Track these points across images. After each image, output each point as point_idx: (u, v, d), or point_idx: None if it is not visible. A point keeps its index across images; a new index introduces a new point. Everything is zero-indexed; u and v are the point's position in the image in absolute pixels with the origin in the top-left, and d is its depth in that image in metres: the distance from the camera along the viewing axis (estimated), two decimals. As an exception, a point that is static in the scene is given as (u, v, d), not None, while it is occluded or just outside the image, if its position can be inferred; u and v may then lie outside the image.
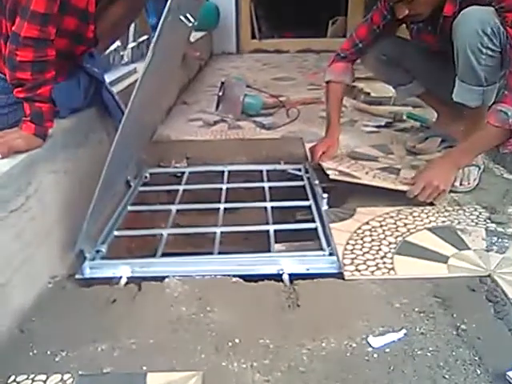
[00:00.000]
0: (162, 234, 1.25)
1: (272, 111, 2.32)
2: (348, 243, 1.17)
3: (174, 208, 1.40)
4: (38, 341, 0.89)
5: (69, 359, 0.85)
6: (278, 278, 1.07)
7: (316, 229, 1.25)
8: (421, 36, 1.69)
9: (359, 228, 1.24)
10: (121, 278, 1.08)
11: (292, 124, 2.15)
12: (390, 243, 1.17)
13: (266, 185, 1.54)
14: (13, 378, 0.80)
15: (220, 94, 2.25)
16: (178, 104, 2.56)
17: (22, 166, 0.99)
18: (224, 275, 1.07)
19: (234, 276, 1.06)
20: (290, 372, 0.80)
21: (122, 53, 2.20)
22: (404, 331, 0.88)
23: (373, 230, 1.23)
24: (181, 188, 1.53)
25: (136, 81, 1.03)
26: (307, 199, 1.42)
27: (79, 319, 0.95)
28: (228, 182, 1.57)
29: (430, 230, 1.23)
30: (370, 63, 1.79)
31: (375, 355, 0.83)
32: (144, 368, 0.82)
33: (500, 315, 0.92)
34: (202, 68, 3.64)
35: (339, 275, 1.07)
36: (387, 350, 0.84)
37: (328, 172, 1.45)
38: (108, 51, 2.00)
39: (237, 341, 0.87)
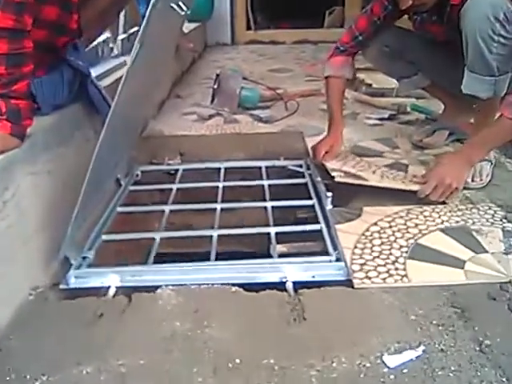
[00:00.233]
0: (154, 238, 1.16)
1: (270, 104, 2.22)
2: (356, 247, 1.08)
3: (167, 209, 1.31)
4: (16, 363, 0.80)
5: (50, 385, 0.76)
6: (281, 286, 0.99)
7: (321, 230, 1.16)
8: (425, 27, 1.60)
9: (367, 229, 1.15)
10: (109, 288, 0.99)
11: (291, 117, 2.06)
12: (402, 246, 1.08)
13: (266, 182, 1.44)
14: (-15, 408, 0.71)
15: (215, 86, 2.15)
16: (171, 97, 2.46)
17: (-3, 168, 0.90)
18: (222, 284, 0.98)
19: (233, 285, 0.97)
20: (297, 398, 0.72)
21: (111, 45, 2.09)
22: (422, 348, 0.80)
23: (382, 231, 1.14)
24: (174, 187, 1.43)
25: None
26: (310, 198, 1.33)
27: (62, 337, 0.86)
28: (225, 180, 1.48)
29: (442, 231, 1.14)
30: (372, 55, 1.70)
31: (392, 376, 0.75)
32: (134, 395, 0.73)
33: (526, 327, 0.84)
34: (196, 60, 3.53)
35: (348, 283, 0.98)
36: (405, 371, 0.75)
37: (333, 174, 1.36)
38: (96, 43, 1.89)
39: (237, 361, 0.78)
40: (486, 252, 1.05)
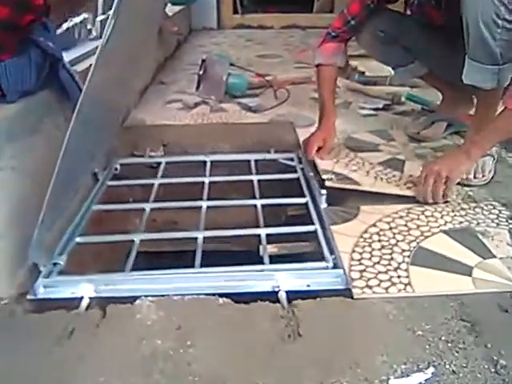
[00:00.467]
0: (133, 241, 1.05)
1: (258, 92, 2.11)
2: (354, 251, 0.99)
3: (148, 207, 1.20)
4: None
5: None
6: (273, 296, 0.90)
7: (315, 232, 1.07)
8: (423, 10, 1.50)
9: (366, 231, 1.06)
10: (82, 299, 0.89)
11: (281, 106, 1.95)
12: (403, 250, 1.00)
13: (255, 178, 1.34)
14: None
15: (201, 72, 2.03)
16: (154, 84, 2.33)
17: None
18: (208, 294, 0.88)
19: (221, 295, 0.88)
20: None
21: (89, 26, 1.95)
22: (432, 369, 0.72)
23: (381, 233, 1.06)
24: (156, 182, 1.33)
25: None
26: (303, 195, 1.24)
27: (27, 359, 0.76)
28: (211, 175, 1.38)
29: (446, 233, 1.06)
30: (366, 41, 1.59)
31: (400, 404, 0.67)
32: (106, 431, 0.64)
33: (543, 344, 0.76)
34: (181, 44, 3.39)
35: (346, 292, 0.89)
36: (414, 398, 0.67)
37: (324, 177, 1.26)
38: (72, 24, 1.76)
39: (226, 387, 0.69)
40: (494, 257, 0.98)
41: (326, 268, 0.94)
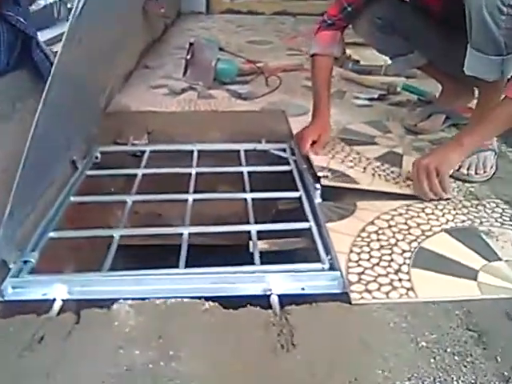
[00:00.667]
0: (112, 236, 0.97)
1: (249, 79, 2.02)
2: (352, 251, 0.92)
3: (130, 199, 1.11)
4: None
5: None
6: (264, 300, 0.82)
7: (310, 229, 1.00)
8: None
9: (363, 229, 0.99)
10: (54, 301, 0.81)
11: (272, 94, 1.86)
12: (404, 251, 0.93)
13: (245, 169, 1.26)
14: None
15: (188, 57, 1.93)
16: (139, 68, 2.22)
17: None
18: (193, 297, 0.81)
19: (207, 299, 0.80)
20: None
21: (69, 5, 1.84)
22: (439, 387, 0.66)
23: (380, 232, 0.99)
24: (140, 172, 1.24)
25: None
26: (296, 189, 1.16)
27: (-12, 371, 0.67)
28: (198, 166, 1.29)
29: (448, 232, 1.00)
30: (364, 29, 1.50)
31: (405, 427, 0.60)
32: None
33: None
34: (168, 28, 3.26)
35: (344, 297, 0.82)
36: (421, 420, 0.61)
37: (319, 174, 1.18)
38: (51, 1, 1.64)
39: (212, 406, 0.62)
40: (500, 259, 0.92)
41: (322, 270, 0.87)
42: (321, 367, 0.68)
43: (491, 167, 1.24)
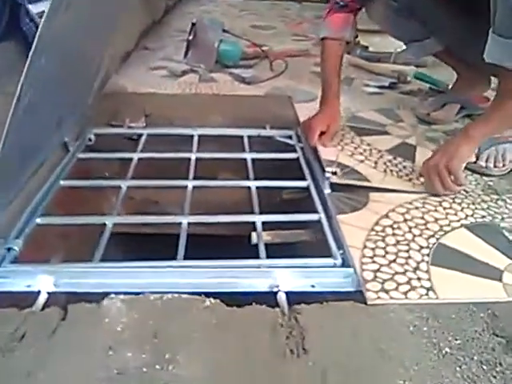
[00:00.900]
0: (105, 224, 0.89)
1: (252, 63, 1.93)
2: (366, 246, 0.85)
3: (125, 184, 1.03)
4: None
5: None
6: (271, 297, 0.75)
7: (319, 221, 0.92)
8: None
9: (377, 223, 0.92)
10: (39, 294, 0.73)
11: (277, 79, 1.78)
12: (422, 247, 0.86)
13: (249, 156, 1.18)
14: None
15: (190, 37, 1.84)
16: (138, 50, 2.12)
17: None
18: (193, 293, 0.73)
19: (207, 295, 0.73)
20: None
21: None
22: (467, 400, 0.59)
23: (396, 226, 0.91)
24: (136, 156, 1.15)
25: None
26: (304, 178, 1.08)
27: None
28: (198, 151, 1.21)
29: (468, 228, 0.92)
30: (378, 12, 1.41)
31: None
32: None
33: None
34: (170, 10, 3.15)
35: (358, 296, 0.75)
36: None
37: (327, 170, 1.05)
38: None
39: (213, 419, 0.55)
40: (525, 259, 0.85)
41: (334, 266, 0.80)
42: (335, 376, 0.61)
43: (511, 160, 1.17)
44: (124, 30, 1.78)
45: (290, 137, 1.30)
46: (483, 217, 0.97)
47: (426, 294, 0.75)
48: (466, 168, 1.13)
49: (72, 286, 0.75)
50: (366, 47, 2.05)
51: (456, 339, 0.68)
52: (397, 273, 0.79)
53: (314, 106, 1.35)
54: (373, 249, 0.84)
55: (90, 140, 1.22)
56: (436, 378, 0.61)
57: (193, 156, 1.17)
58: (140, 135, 1.27)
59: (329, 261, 0.81)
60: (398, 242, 0.87)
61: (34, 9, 1.13)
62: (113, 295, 0.72)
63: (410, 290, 0.75)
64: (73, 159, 1.11)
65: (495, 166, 1.15)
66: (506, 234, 0.92)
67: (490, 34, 1.08)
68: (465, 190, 1.05)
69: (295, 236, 1.06)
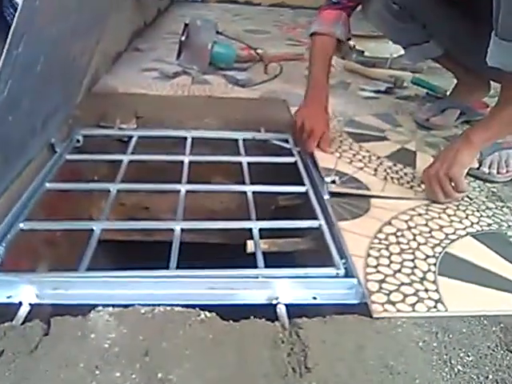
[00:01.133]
0: (92, 230, 0.84)
1: (246, 66, 1.89)
2: (369, 255, 0.81)
3: (114, 188, 0.98)
4: None
5: None
6: (270, 310, 0.70)
7: (320, 228, 0.88)
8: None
9: (380, 231, 0.88)
10: (20, 306, 0.68)
11: (271, 82, 1.74)
12: (428, 256, 0.82)
13: (244, 159, 1.14)
14: None
15: (183, 38, 1.79)
16: (129, 51, 2.07)
17: None
18: (186, 306, 0.68)
19: (202, 308, 0.68)
20: None
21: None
22: (484, 424, 0.54)
23: (399, 233, 0.87)
24: (126, 158, 1.10)
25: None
26: (302, 183, 1.04)
27: None
28: (192, 154, 1.16)
29: (475, 237, 0.89)
30: (376, 12, 1.36)
31: None
32: None
33: None
34: (162, 13, 3.11)
35: (363, 308, 0.71)
36: None
37: (326, 179, 1.01)
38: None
39: None
40: (535, 269, 0.81)
41: (337, 276, 0.75)
42: (341, 397, 0.56)
43: (514, 167, 1.14)
44: (115, 30, 1.72)
45: (286, 140, 1.26)
46: (489, 225, 0.93)
47: (435, 307, 0.71)
48: (468, 174, 1.10)
49: (56, 297, 0.69)
50: (362, 52, 2.02)
51: (468, 356, 0.64)
52: (403, 283, 0.75)
53: (310, 110, 1.30)
54: (377, 258, 0.80)
55: (78, 141, 1.16)
56: (449, 398, 0.57)
57: (186, 159, 1.12)
58: (131, 137, 1.21)
59: (331, 270, 0.76)
60: (402, 250, 0.83)
61: None
62: (100, 308, 0.66)
63: (417, 302, 0.71)
64: (60, 161, 1.05)
65: (498, 173, 1.12)
66: (514, 242, 0.88)
67: (493, 38, 1.05)
68: (468, 197, 1.02)
69: (293, 244, 1.01)
